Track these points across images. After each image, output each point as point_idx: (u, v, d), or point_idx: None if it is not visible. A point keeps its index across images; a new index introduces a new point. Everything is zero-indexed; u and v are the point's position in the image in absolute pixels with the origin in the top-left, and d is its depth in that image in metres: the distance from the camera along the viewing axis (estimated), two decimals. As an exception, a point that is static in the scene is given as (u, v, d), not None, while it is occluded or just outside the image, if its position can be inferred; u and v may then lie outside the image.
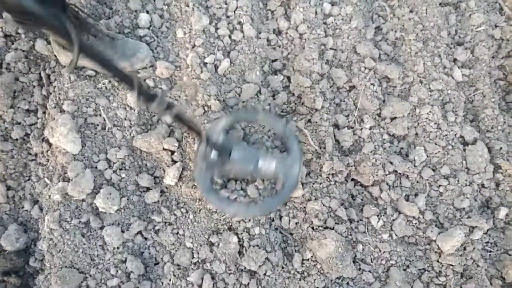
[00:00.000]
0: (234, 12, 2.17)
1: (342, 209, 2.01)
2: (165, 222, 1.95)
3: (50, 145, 1.95)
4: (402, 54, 2.30)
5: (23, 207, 2.00)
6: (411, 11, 2.32)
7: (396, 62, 2.31)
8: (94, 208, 1.87)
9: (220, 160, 1.80)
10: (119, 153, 1.95)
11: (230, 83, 2.10)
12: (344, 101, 2.25)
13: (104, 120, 1.94)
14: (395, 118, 2.21)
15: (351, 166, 2.12)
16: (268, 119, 1.98)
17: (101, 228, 1.88)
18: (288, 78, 2.25)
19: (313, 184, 2.01)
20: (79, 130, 1.91)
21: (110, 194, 1.86)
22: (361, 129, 2.18)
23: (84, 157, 1.89)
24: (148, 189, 1.96)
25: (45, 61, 2.05)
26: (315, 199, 2.01)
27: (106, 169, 1.91)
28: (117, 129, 1.96)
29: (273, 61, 2.29)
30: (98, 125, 1.95)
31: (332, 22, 2.33)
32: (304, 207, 1.98)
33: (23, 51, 2.03)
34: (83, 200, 1.86)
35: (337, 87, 2.26)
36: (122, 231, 1.89)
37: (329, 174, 2.05)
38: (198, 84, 2.01)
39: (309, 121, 2.16)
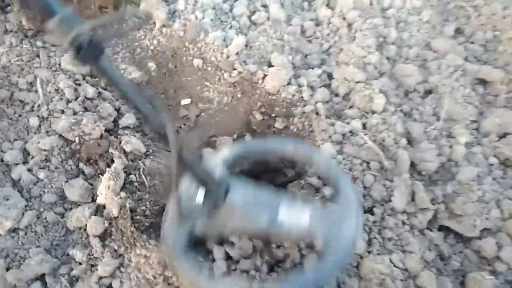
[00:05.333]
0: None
1: (429, 276, 1.10)
2: (92, 265, 1.13)
3: None
4: (500, 56, 1.68)
5: None
6: (505, 8, 1.65)
7: (492, 66, 1.63)
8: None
9: (208, 206, 0.93)
10: (45, 141, 1.28)
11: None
12: (417, 109, 1.46)
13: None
14: (505, 135, 1.42)
15: (439, 202, 1.26)
16: (300, 150, 1.12)
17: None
18: (329, 75, 1.51)
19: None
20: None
21: (8, 200, 1.18)
22: (450, 147, 1.37)
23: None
24: (77, 204, 1.24)
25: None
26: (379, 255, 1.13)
27: (17, 164, 1.29)
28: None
29: (308, 55, 1.60)
30: (28, 103, 1.42)
31: (394, 14, 1.70)
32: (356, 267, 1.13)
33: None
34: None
35: (405, 91, 1.50)
36: (8, 269, 1.11)
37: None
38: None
39: (364, 126, 1.34)
